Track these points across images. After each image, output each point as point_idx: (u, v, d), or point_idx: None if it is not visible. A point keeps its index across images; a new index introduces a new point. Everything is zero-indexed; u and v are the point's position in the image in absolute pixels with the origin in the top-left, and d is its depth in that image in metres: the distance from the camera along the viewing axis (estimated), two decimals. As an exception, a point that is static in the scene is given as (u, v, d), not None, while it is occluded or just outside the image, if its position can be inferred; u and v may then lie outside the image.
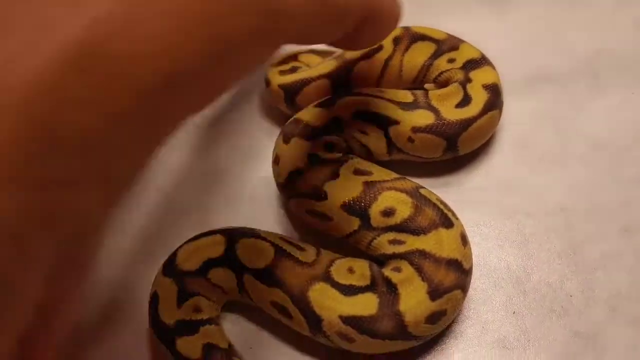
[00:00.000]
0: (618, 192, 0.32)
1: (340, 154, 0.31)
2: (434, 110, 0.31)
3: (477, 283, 0.30)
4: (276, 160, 0.31)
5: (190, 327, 0.27)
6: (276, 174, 0.31)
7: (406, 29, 0.34)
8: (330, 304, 0.27)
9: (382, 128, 0.31)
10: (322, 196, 0.29)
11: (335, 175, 0.30)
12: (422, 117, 0.31)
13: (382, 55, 0.34)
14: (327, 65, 0.34)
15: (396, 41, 0.34)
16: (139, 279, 0.30)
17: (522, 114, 0.35)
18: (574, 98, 0.35)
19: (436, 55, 0.34)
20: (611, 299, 0.29)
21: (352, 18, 0.22)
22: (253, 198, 0.33)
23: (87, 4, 0.13)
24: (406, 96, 0.32)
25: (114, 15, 0.13)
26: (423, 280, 0.27)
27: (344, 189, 0.29)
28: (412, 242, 0.28)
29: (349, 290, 0.27)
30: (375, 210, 0.29)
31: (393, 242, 0.28)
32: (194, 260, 0.28)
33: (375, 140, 0.32)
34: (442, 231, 0.28)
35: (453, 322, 0.29)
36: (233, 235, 0.29)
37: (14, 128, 0.12)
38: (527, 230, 0.31)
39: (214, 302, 0.29)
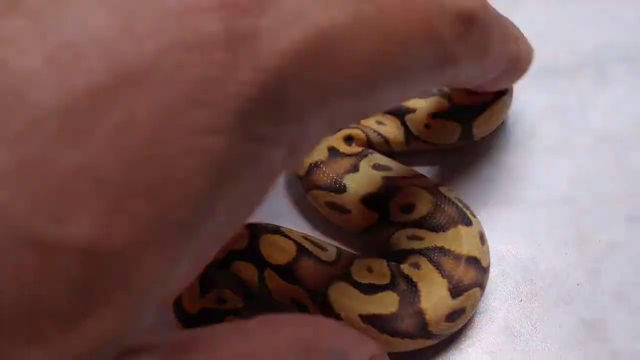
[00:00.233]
0: (624, 182, 0.33)
1: (360, 149, 0.31)
2: (447, 97, 0.32)
3: (485, 271, 0.31)
4: None
5: (214, 316, 0.28)
6: (296, 167, 0.31)
7: None
8: (350, 303, 0.27)
9: (398, 117, 0.32)
10: (341, 188, 0.30)
11: (355, 169, 0.30)
12: (437, 103, 0.32)
13: None
14: None
15: None
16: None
17: (529, 106, 0.35)
18: (581, 90, 0.36)
19: None
20: (617, 287, 0.30)
21: (500, 68, 0.25)
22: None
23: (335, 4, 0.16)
24: None
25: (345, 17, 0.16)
26: (443, 277, 0.27)
27: (364, 182, 0.29)
28: (431, 239, 0.28)
29: (369, 289, 0.27)
30: (394, 205, 0.29)
31: (412, 237, 0.29)
32: (218, 251, 0.28)
33: (393, 130, 0.32)
34: (462, 228, 0.28)
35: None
36: (256, 230, 0.29)
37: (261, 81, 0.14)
38: (534, 220, 0.32)
39: (236, 294, 0.29)
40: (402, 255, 0.29)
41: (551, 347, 0.29)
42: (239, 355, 0.17)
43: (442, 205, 0.29)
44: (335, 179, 0.30)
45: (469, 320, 0.29)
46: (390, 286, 0.27)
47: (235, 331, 0.18)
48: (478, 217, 0.30)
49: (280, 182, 0.34)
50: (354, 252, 0.30)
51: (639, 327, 0.29)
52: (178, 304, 0.28)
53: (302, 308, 0.28)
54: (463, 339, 0.29)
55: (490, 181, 0.33)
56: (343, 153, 0.31)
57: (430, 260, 0.28)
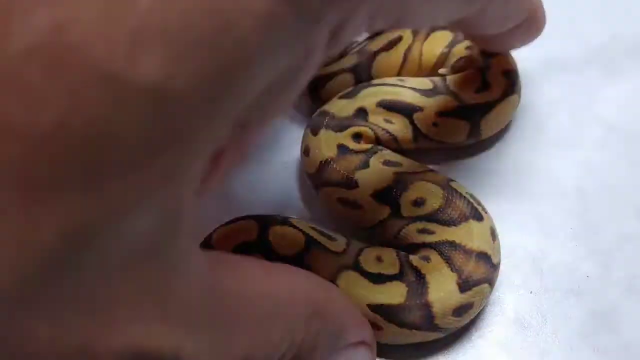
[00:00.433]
0: (633, 174, 0.33)
1: (370, 145, 0.32)
2: (455, 95, 0.32)
3: (496, 264, 0.31)
4: (306, 152, 0.31)
5: None
6: (306, 165, 0.31)
7: None
8: (359, 292, 0.27)
9: (406, 115, 0.32)
10: (353, 184, 0.30)
11: (365, 165, 0.30)
12: (445, 102, 0.32)
13: (402, 46, 0.34)
14: (349, 59, 0.34)
15: (415, 31, 0.35)
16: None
17: (537, 100, 0.36)
18: (589, 83, 0.36)
19: (454, 43, 0.34)
20: (627, 279, 0.30)
21: (522, 16, 0.25)
22: (275, 182, 0.34)
23: None
24: (426, 83, 0.33)
25: None
26: (452, 270, 0.27)
27: (375, 178, 0.30)
28: (442, 233, 0.28)
29: (378, 279, 0.27)
30: (405, 199, 0.29)
31: (422, 231, 0.29)
32: (229, 242, 0.28)
33: (401, 128, 0.32)
34: (473, 223, 0.28)
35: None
36: (265, 222, 0.29)
37: None
38: (544, 213, 0.32)
39: None
40: (412, 249, 0.29)
41: (561, 339, 0.29)
42: (258, 286, 0.19)
43: (454, 200, 0.29)
44: (346, 175, 0.30)
45: (480, 311, 0.30)
46: (399, 276, 0.27)
47: (260, 267, 0.20)
48: (488, 210, 0.30)
49: (290, 179, 0.34)
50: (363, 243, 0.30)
51: (648, 318, 0.29)
52: None
53: None
54: (473, 330, 0.29)
55: (499, 174, 0.34)
56: (352, 150, 0.31)
57: (441, 254, 0.28)
